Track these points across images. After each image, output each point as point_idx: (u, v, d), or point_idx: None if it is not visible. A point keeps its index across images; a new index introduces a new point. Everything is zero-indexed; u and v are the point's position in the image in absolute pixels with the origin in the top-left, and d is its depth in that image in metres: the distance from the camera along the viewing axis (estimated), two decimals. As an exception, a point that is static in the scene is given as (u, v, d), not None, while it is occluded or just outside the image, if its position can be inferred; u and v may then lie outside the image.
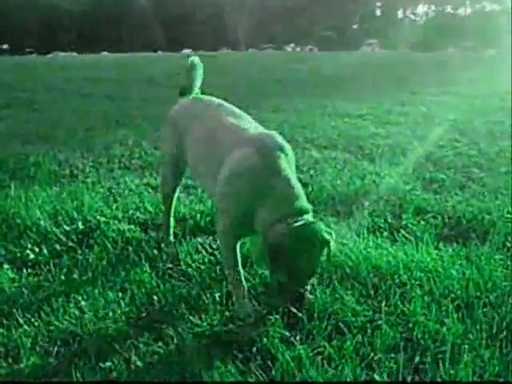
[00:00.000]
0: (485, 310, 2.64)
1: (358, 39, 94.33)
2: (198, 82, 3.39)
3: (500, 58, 33.07)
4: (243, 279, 2.78)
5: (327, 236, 2.49)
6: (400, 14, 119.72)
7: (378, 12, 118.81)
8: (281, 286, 2.53)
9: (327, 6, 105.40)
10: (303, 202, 2.58)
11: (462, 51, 64.73)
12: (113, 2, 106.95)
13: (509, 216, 3.96)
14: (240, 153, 2.67)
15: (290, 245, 2.41)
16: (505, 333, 2.47)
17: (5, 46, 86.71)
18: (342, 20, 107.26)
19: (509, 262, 3.18)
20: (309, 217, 2.55)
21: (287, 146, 2.74)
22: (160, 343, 2.45)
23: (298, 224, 2.46)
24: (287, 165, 2.64)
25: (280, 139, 2.74)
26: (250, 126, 2.95)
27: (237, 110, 3.10)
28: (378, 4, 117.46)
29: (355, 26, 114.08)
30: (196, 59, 3.39)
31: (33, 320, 2.62)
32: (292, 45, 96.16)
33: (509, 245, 3.45)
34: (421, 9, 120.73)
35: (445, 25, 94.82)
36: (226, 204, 2.70)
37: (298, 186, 2.61)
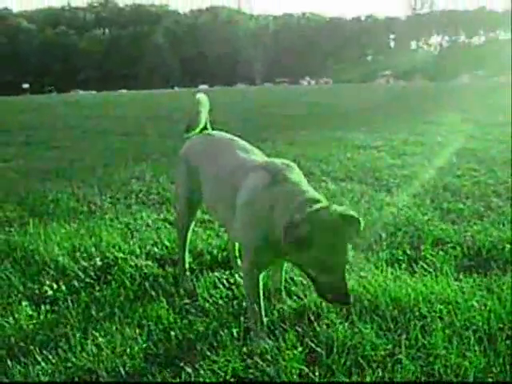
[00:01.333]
0: (508, 342, 2.58)
1: (372, 71, 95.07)
2: (204, 118, 3.42)
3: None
4: (263, 313, 2.77)
5: (353, 213, 2.42)
6: (413, 44, 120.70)
7: (392, 44, 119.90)
8: (317, 284, 2.41)
9: (341, 40, 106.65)
10: (317, 194, 2.54)
11: (477, 79, 64.89)
12: (130, 41, 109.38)
13: (530, 245, 3.90)
14: (252, 178, 2.72)
15: (311, 230, 2.29)
16: (529, 366, 2.41)
17: (25, 86, 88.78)
18: (357, 52, 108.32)
19: (531, 293, 3.12)
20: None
21: (295, 166, 2.78)
22: (178, 380, 2.43)
23: (314, 208, 2.36)
24: (298, 177, 2.68)
25: (287, 162, 2.79)
26: (260, 157, 3.03)
27: (247, 145, 3.16)
28: (392, 36, 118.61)
29: (369, 58, 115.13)
30: (202, 96, 3.44)
31: (50, 357, 2.61)
32: (307, 78, 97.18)
33: (530, 274, 3.39)
34: (434, 39, 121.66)
35: (459, 54, 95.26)
36: (249, 231, 2.70)
37: (312, 189, 2.61)
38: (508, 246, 3.89)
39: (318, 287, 2.44)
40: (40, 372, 2.51)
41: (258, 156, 3.04)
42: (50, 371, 2.51)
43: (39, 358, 2.60)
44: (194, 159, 3.27)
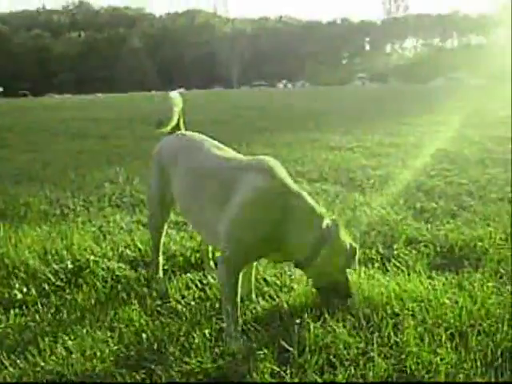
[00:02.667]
0: (479, 338, 2.60)
1: (348, 74, 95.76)
2: (174, 116, 3.39)
3: (487, 88, 33.54)
4: (239, 312, 2.75)
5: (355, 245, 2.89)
6: (388, 48, 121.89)
7: (368, 47, 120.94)
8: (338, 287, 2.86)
9: (318, 43, 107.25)
10: (319, 207, 2.82)
11: (451, 82, 65.80)
12: (106, 44, 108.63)
13: (501, 243, 3.95)
14: (248, 177, 2.72)
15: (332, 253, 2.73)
16: (500, 361, 2.43)
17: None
18: (333, 56, 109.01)
19: (502, 289, 3.15)
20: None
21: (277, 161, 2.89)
22: (148, 382, 2.40)
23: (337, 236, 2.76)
24: (287, 175, 2.81)
25: (270, 158, 2.87)
26: (239, 155, 3.04)
27: (220, 144, 3.15)
28: (367, 39, 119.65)
29: (345, 61, 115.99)
30: (175, 94, 3.42)
31: (18, 362, 2.55)
32: (284, 81, 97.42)
33: (502, 271, 3.43)
34: (409, 42, 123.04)
35: (433, 57, 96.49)
36: (247, 229, 2.69)
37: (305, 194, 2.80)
38: (480, 243, 3.94)
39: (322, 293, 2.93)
40: (8, 377, 2.45)
41: (232, 153, 3.05)
42: (17, 375, 2.46)
43: (7, 363, 2.55)
44: (167, 160, 3.22)
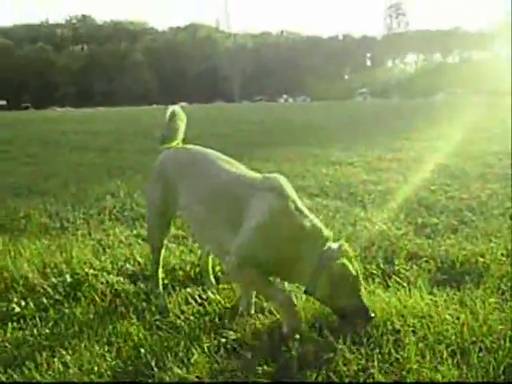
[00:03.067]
0: (480, 354, 2.57)
1: (349, 89, 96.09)
2: (180, 132, 3.38)
3: (487, 103, 33.64)
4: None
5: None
6: (390, 63, 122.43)
7: (369, 62, 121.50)
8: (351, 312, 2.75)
9: (319, 58, 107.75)
10: (325, 229, 2.83)
11: (451, 97, 66.02)
12: (108, 58, 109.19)
13: (502, 258, 3.92)
14: (262, 199, 2.76)
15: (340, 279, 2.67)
16: (502, 378, 2.40)
17: (1, 102, 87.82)
18: (334, 71, 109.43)
19: (504, 306, 3.12)
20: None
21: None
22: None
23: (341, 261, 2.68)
24: (296, 196, 2.86)
25: (280, 175, 2.94)
26: (247, 170, 3.08)
27: (227, 157, 3.14)
28: (368, 54, 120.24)
29: (346, 77, 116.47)
30: (177, 108, 3.41)
31: (15, 376, 2.53)
32: (285, 96, 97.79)
33: (503, 287, 3.40)
34: (410, 58, 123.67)
35: (434, 72, 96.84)
36: (256, 250, 2.72)
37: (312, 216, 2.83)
38: (481, 259, 3.91)
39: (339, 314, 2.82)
40: (3, 391, 2.43)
41: (241, 167, 3.06)
42: (13, 390, 2.44)
43: (3, 378, 2.52)
44: (173, 172, 3.19)
